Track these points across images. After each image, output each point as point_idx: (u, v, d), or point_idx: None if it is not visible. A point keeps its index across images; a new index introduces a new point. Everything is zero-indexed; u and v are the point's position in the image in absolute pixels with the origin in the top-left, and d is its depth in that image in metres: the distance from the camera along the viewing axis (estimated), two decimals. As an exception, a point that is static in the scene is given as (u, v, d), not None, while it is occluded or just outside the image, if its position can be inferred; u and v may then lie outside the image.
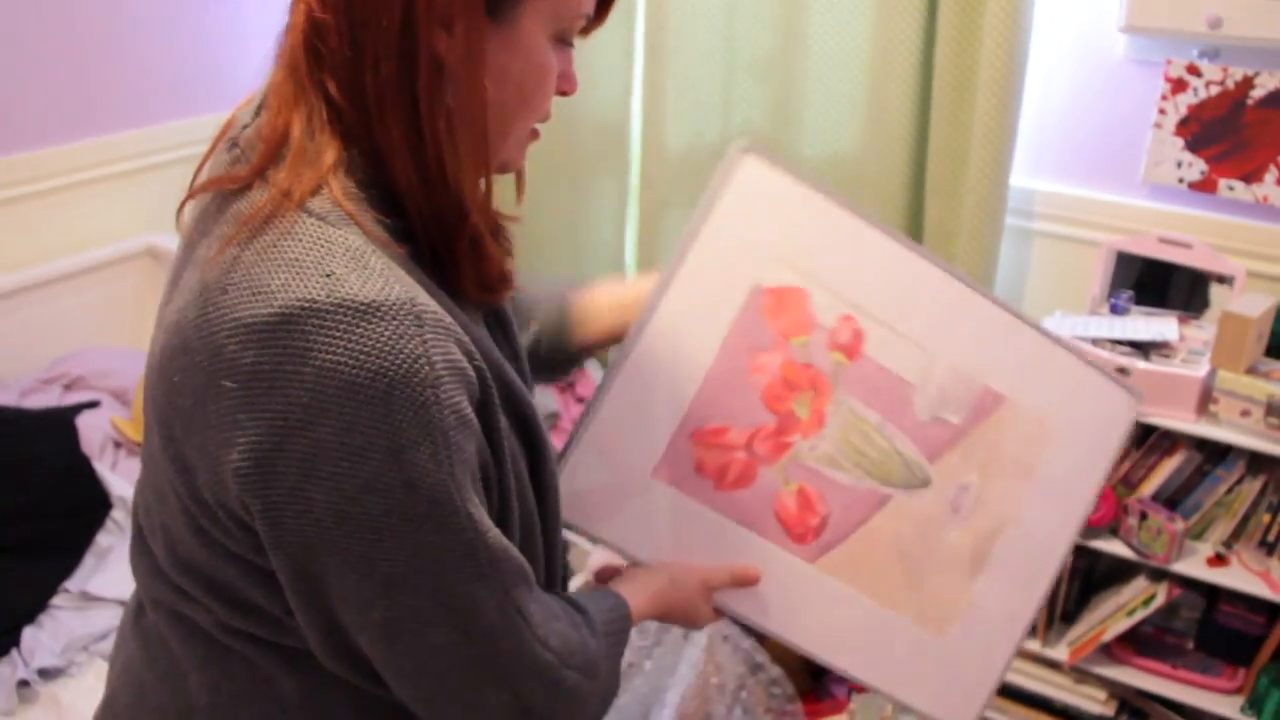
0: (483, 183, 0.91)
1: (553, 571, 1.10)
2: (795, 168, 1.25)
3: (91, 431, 2.40)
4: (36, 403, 2.45)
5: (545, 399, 2.93)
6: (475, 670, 0.91)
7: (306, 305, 0.79)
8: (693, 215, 1.24)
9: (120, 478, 2.31)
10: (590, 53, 2.83)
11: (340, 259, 0.81)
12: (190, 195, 0.93)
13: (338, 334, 0.78)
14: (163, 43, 2.86)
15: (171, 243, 2.79)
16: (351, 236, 0.83)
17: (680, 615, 1.22)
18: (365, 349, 0.78)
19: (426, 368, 0.80)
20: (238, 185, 0.88)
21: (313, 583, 0.85)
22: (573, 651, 0.99)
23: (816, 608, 1.26)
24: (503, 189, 1.02)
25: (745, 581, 1.25)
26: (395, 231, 0.87)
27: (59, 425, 2.35)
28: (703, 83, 2.69)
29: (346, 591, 0.85)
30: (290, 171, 0.85)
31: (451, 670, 0.91)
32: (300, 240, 0.82)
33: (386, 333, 0.79)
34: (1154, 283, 2.36)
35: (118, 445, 2.44)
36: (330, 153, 0.86)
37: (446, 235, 0.89)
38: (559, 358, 1.30)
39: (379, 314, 0.79)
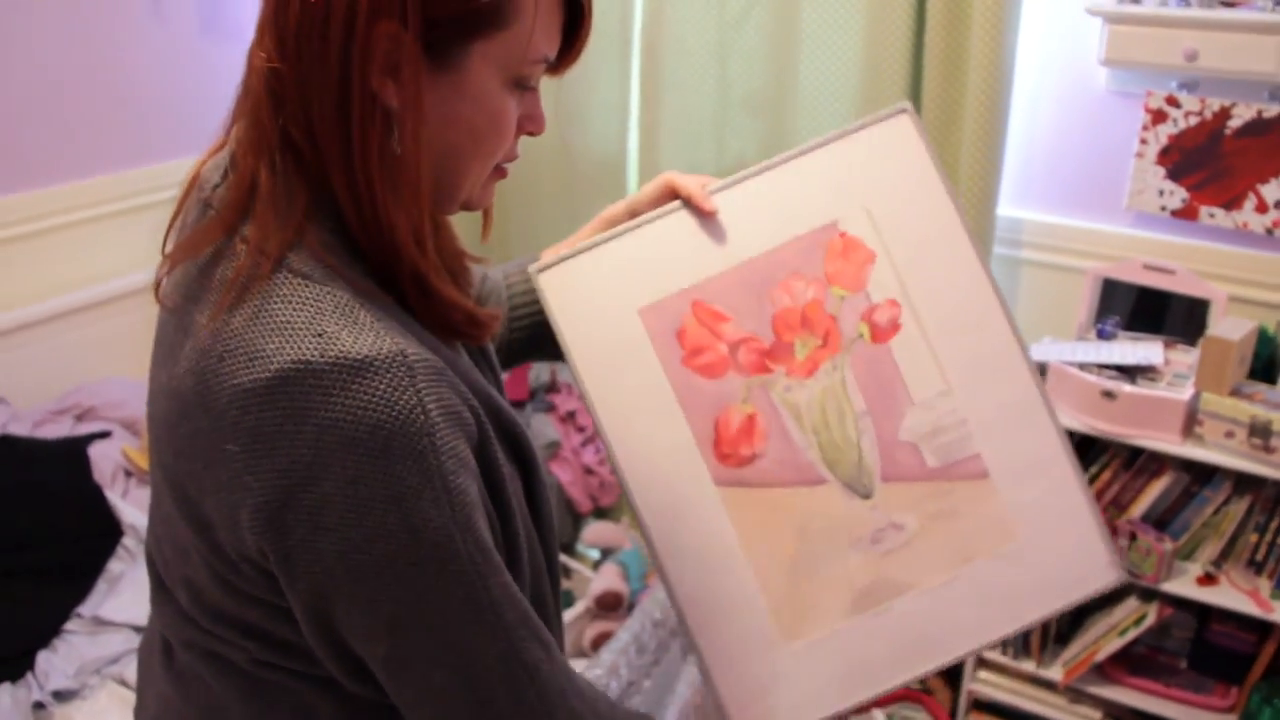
0: (415, 225, 0.90)
1: (554, 585, 1.12)
2: (934, 151, 1.22)
3: (103, 460, 2.45)
4: (49, 433, 2.50)
5: (546, 428, 2.98)
6: (473, 715, 0.92)
7: (302, 366, 0.81)
8: (835, 130, 1.20)
9: (131, 505, 2.36)
10: (588, 90, 2.90)
11: (330, 317, 0.83)
12: (171, 266, 0.93)
13: (334, 392, 0.81)
14: (166, 84, 2.93)
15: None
16: (338, 292, 0.85)
17: None
18: (361, 404, 0.81)
19: (422, 417, 0.82)
20: (213, 245, 0.89)
21: (325, 620, 0.88)
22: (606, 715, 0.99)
23: (693, 528, 1.19)
24: (470, 228, 1.07)
25: None
26: (375, 276, 0.90)
27: (71, 454, 2.41)
28: (697, 117, 2.76)
29: (354, 628, 0.88)
30: (259, 223, 0.87)
31: (451, 711, 0.92)
32: (289, 302, 0.84)
33: (381, 387, 0.81)
34: (1150, 310, 2.41)
35: (128, 474, 2.49)
36: (300, 198, 0.88)
37: (390, 275, 0.91)
38: (542, 319, 1.27)
39: (372, 369, 0.81)
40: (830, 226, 1.19)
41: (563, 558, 2.84)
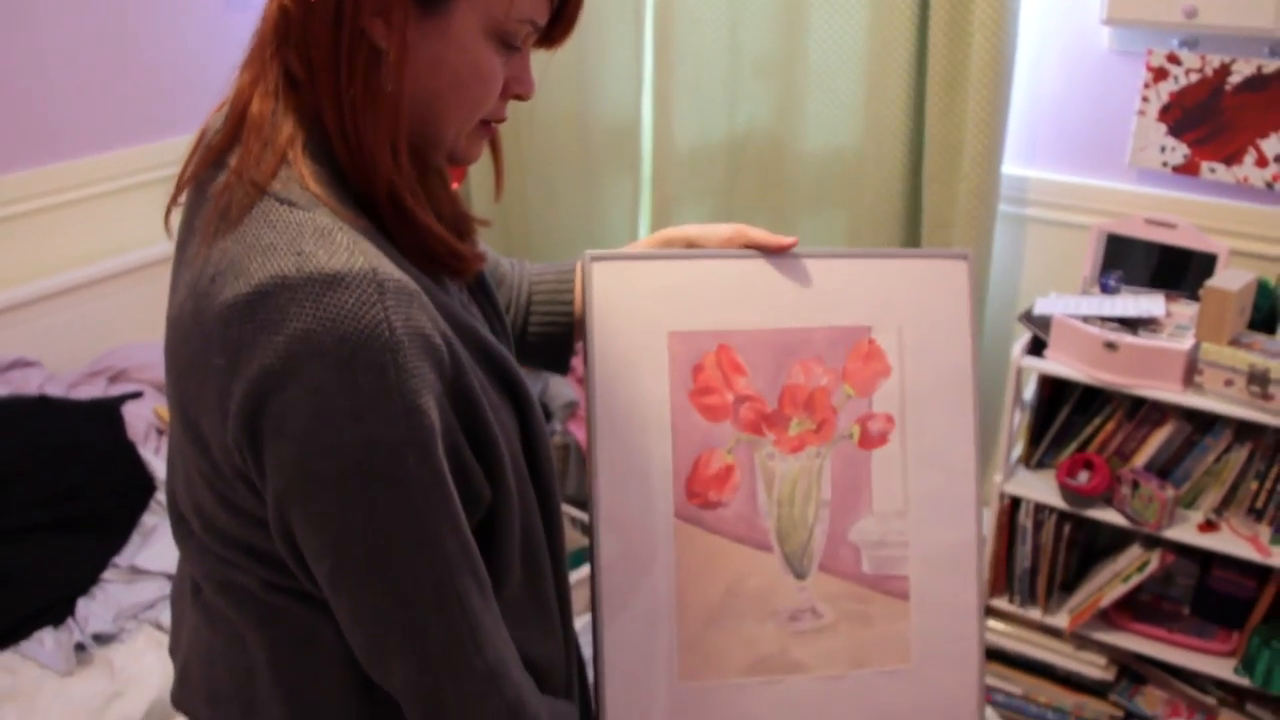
0: (394, 152, 0.94)
1: (549, 522, 1.15)
2: (975, 303, 1.30)
3: (135, 420, 2.54)
4: (83, 394, 2.59)
5: (564, 389, 3.05)
6: (403, 642, 0.96)
7: (279, 280, 0.86)
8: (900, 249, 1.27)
9: (162, 462, 2.45)
10: (601, 57, 2.97)
11: (309, 239, 0.88)
12: (174, 198, 1.02)
13: (307, 304, 0.85)
14: (192, 58, 3.01)
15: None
16: (320, 217, 0.90)
17: None
18: (330, 316, 0.85)
19: (387, 333, 0.86)
20: (205, 173, 0.98)
21: (287, 532, 0.94)
22: (509, 679, 1.02)
23: (639, 544, 1.25)
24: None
25: None
26: (359, 203, 0.95)
27: (106, 414, 2.50)
28: (709, 83, 2.82)
29: (306, 543, 0.93)
30: (245, 151, 0.93)
31: (381, 635, 0.96)
32: (272, 226, 0.89)
33: (350, 301, 0.86)
34: (1154, 266, 2.46)
35: (160, 432, 2.58)
36: (287, 127, 0.94)
37: (372, 200, 0.96)
38: (557, 331, 1.35)
39: (343, 284, 0.86)
40: (864, 329, 1.27)
41: (577, 513, 2.91)
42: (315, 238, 0.88)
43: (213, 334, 0.90)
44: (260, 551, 1.01)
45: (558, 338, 1.35)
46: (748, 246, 1.26)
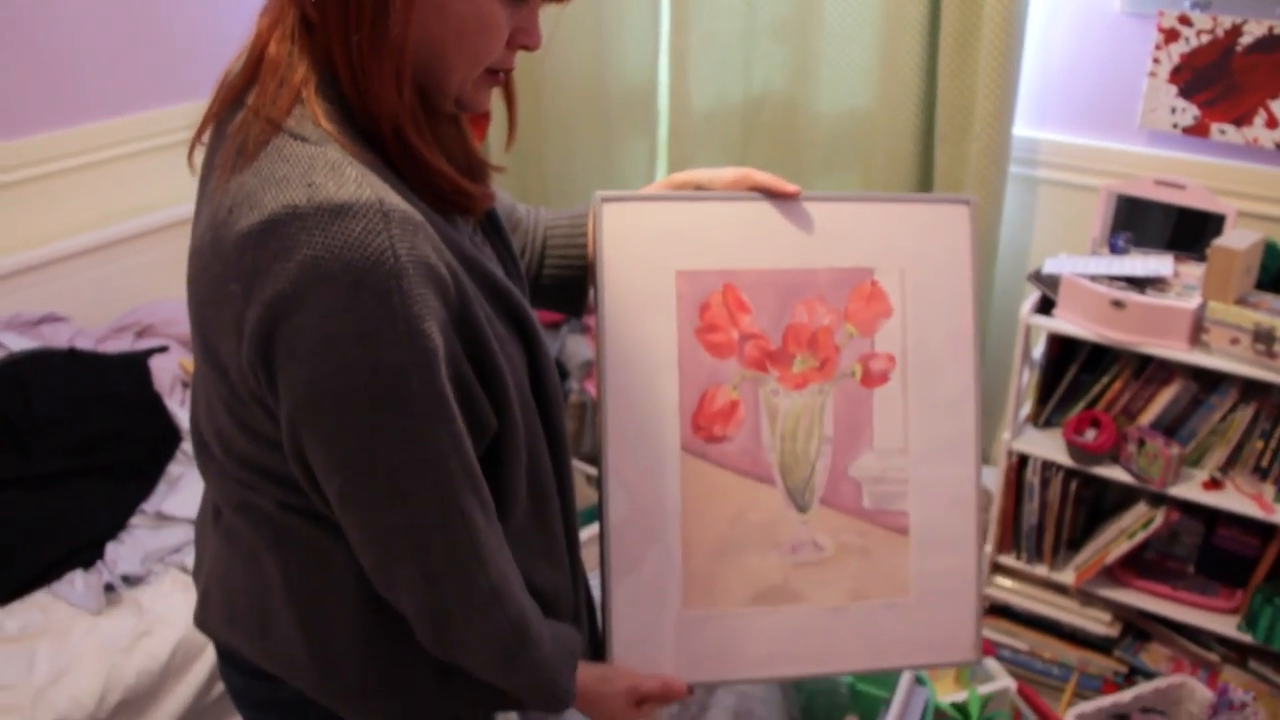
0: (399, 87, 0.98)
1: (557, 454, 1.21)
2: (977, 248, 1.34)
3: (162, 373, 2.60)
4: (112, 348, 2.66)
5: (581, 348, 3.10)
6: (410, 558, 1.02)
7: (291, 210, 0.91)
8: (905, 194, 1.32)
9: (188, 413, 2.51)
10: (619, 19, 3.00)
11: (320, 171, 0.93)
12: (196, 138, 1.07)
13: (316, 232, 0.90)
14: (221, 21, 3.05)
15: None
16: (330, 151, 0.94)
17: (599, 710, 1.26)
18: (339, 243, 0.90)
19: (391, 260, 0.91)
20: (224, 111, 1.03)
21: (299, 453, 0.99)
22: (512, 598, 1.08)
23: (647, 477, 1.28)
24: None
25: (671, 695, 1.29)
26: (371, 140, 1.00)
27: (134, 367, 2.56)
28: (725, 45, 2.85)
29: (316, 462, 0.98)
30: (261, 90, 0.98)
31: (389, 552, 1.02)
32: (286, 160, 0.94)
33: (357, 229, 0.90)
34: (1164, 228, 2.48)
35: (185, 385, 2.65)
36: (301, 68, 0.98)
37: (379, 138, 1.00)
38: (571, 274, 1.38)
39: (351, 213, 0.90)
40: (866, 271, 1.31)
41: (593, 470, 2.96)
42: (325, 170, 0.93)
43: (229, 261, 0.95)
44: (275, 473, 1.06)
45: (572, 280, 1.39)
46: (753, 189, 1.30)
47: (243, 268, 0.93)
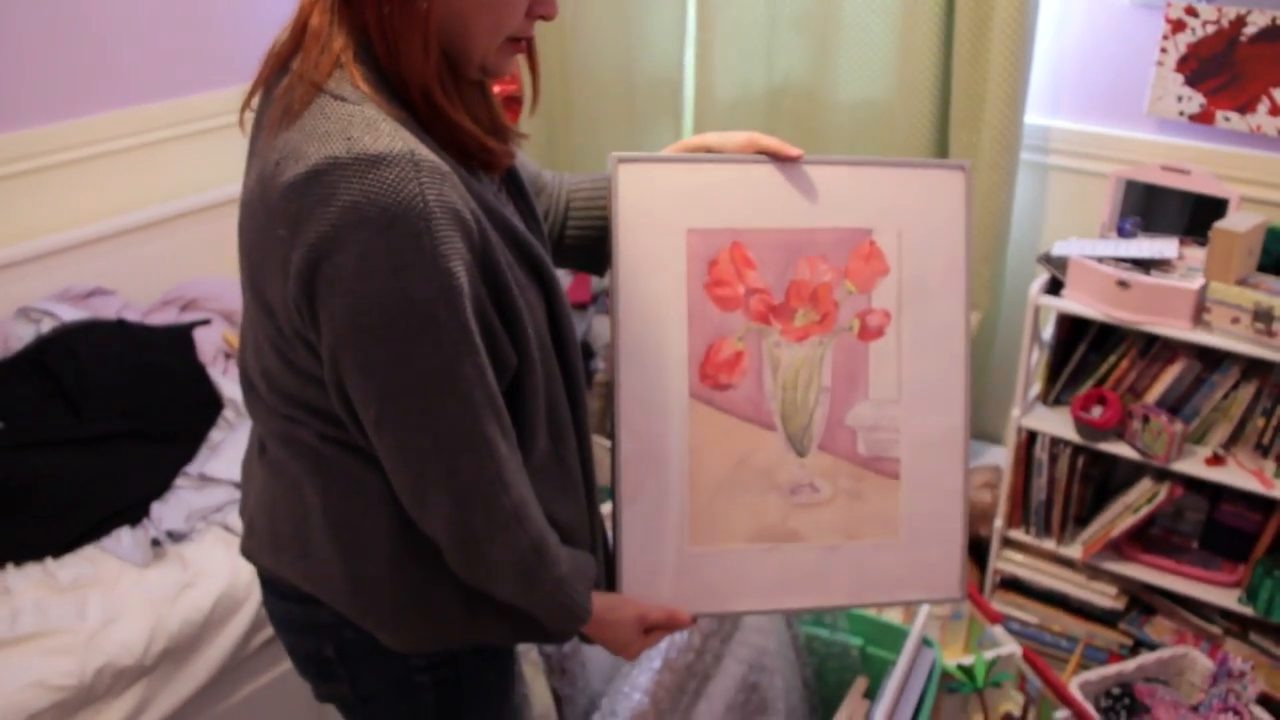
0: (426, 49, 1.09)
1: (573, 396, 1.29)
2: (971, 212, 1.43)
3: (205, 344, 2.72)
4: (157, 320, 2.79)
5: (607, 328, 3.20)
6: (439, 480, 1.12)
7: (332, 161, 1.01)
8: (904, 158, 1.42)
9: (230, 382, 2.63)
10: (647, 10, 3.10)
11: (358, 126, 1.03)
12: (246, 102, 1.19)
13: (354, 180, 1.00)
14: (271, 10, 3.17)
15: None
16: (367, 109, 1.05)
17: (609, 637, 1.36)
18: (374, 189, 1.00)
19: (421, 204, 1.01)
20: (271, 76, 1.15)
21: (339, 383, 1.09)
22: (532, 520, 1.19)
23: (657, 421, 1.37)
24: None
25: (677, 624, 1.39)
26: (405, 101, 1.11)
27: (179, 338, 2.69)
28: (748, 36, 2.94)
29: (354, 391, 1.09)
30: (305, 56, 1.09)
31: (422, 475, 1.12)
32: (327, 117, 1.04)
33: (390, 176, 1.00)
34: (1172, 215, 2.56)
35: (228, 356, 2.76)
36: (340, 37, 1.08)
37: (409, 99, 1.10)
38: (592, 234, 1.48)
39: (385, 162, 1.00)
40: (865, 231, 1.41)
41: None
42: (363, 126, 1.03)
43: (276, 210, 1.05)
44: (317, 407, 1.17)
45: (593, 240, 1.48)
46: (761, 153, 1.39)
47: (288, 214, 1.04)
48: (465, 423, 1.10)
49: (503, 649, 1.43)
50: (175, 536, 2.25)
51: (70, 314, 2.64)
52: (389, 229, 1.00)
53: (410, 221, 1.01)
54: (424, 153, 1.04)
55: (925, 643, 2.20)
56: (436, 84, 1.11)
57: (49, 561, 2.18)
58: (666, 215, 1.36)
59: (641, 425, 1.38)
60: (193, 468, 2.43)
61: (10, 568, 2.16)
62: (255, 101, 1.19)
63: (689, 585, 1.41)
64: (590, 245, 1.49)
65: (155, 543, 2.23)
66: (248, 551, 1.39)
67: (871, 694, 2.17)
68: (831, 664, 2.31)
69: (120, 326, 2.63)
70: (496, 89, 1.35)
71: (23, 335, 2.58)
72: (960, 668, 2.31)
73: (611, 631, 1.36)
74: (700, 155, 1.40)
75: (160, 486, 2.36)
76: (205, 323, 2.81)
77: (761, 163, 1.38)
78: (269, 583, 1.38)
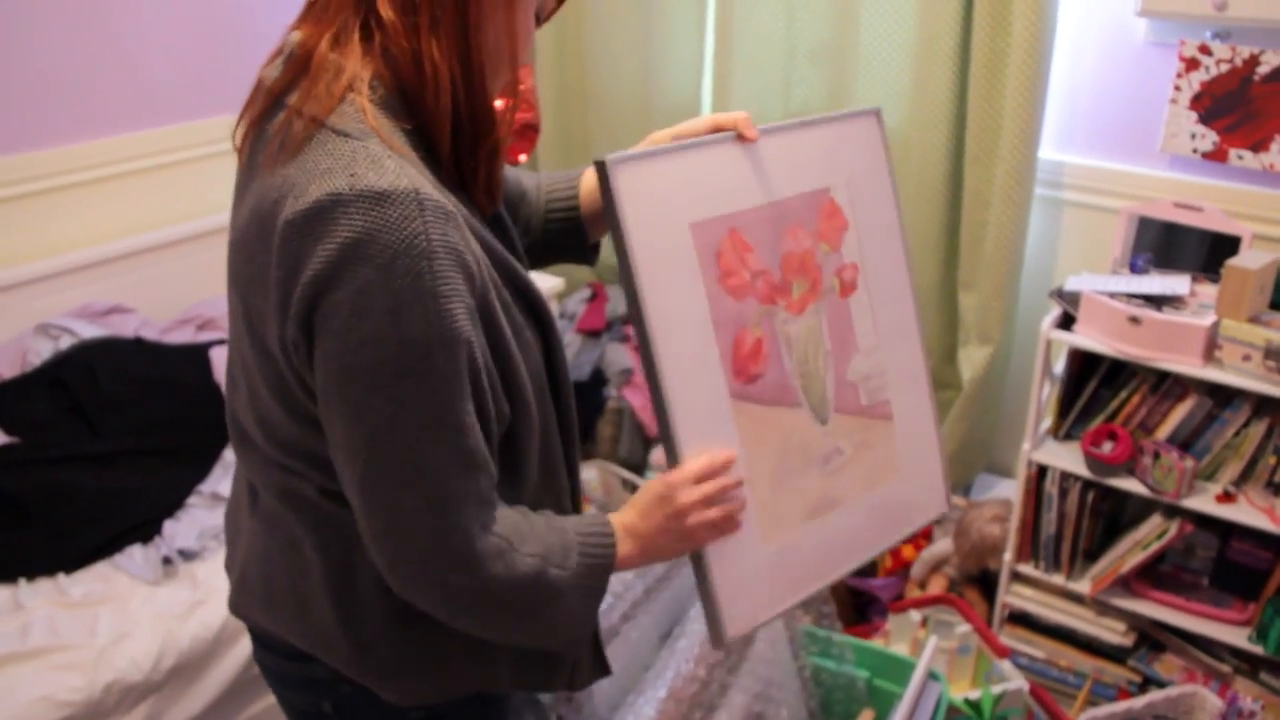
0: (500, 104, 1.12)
1: (566, 439, 1.28)
2: (890, 153, 1.48)
3: (221, 363, 2.74)
4: (175, 339, 2.81)
5: (620, 356, 3.22)
6: (434, 543, 1.06)
7: (334, 197, 0.98)
8: (829, 114, 1.43)
9: (245, 403, 2.65)
10: (666, 43, 3.13)
11: (362, 162, 0.99)
12: (244, 141, 1.14)
13: (356, 216, 0.97)
14: (285, 29, 3.21)
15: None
16: (372, 145, 1.01)
17: (653, 539, 1.25)
18: (376, 226, 0.97)
19: (424, 243, 0.98)
20: (263, 114, 1.10)
21: (330, 435, 1.05)
22: (524, 538, 1.12)
23: (708, 431, 1.31)
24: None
25: (723, 463, 1.29)
26: (411, 137, 1.07)
27: (195, 356, 2.71)
28: (766, 67, 2.97)
29: (341, 442, 1.04)
30: (307, 90, 1.05)
31: (410, 538, 1.06)
32: (330, 154, 1.01)
33: (394, 214, 0.98)
34: (1184, 251, 2.57)
35: (243, 376, 2.79)
36: (352, 69, 1.05)
37: (475, 139, 1.10)
38: (570, 223, 1.48)
39: (389, 199, 0.98)
40: (824, 191, 1.43)
41: (628, 475, 3.08)
42: (367, 162, 1.00)
43: (274, 249, 1.02)
44: (319, 458, 1.13)
45: (572, 228, 1.48)
46: (724, 129, 1.35)
47: (288, 253, 1.01)
48: (458, 472, 1.06)
49: (500, 695, 1.37)
50: (186, 555, 2.27)
51: (89, 331, 2.67)
52: (389, 267, 0.98)
53: (411, 260, 0.98)
54: (429, 191, 1.02)
55: (932, 676, 2.20)
56: (470, 123, 1.11)
57: (61, 577, 2.19)
58: (668, 214, 1.31)
59: (700, 437, 1.32)
60: (206, 486, 2.45)
61: (22, 582, 2.18)
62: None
63: (771, 586, 1.38)
64: (571, 233, 1.48)
65: (166, 560, 2.25)
66: (238, 608, 1.35)
67: (877, 726, 2.17)
68: (838, 695, 2.31)
69: (137, 344, 2.66)
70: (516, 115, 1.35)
71: (41, 351, 2.61)
72: (967, 702, 2.31)
73: (663, 510, 1.24)
74: (684, 142, 1.32)
75: (173, 504, 2.38)
76: (222, 342, 2.83)
77: (727, 141, 1.34)
78: (261, 638, 1.35)
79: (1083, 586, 2.62)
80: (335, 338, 1.00)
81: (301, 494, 1.19)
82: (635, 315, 1.26)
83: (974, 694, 2.38)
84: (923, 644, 2.63)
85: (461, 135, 1.10)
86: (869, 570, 3.02)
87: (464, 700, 1.30)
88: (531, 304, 1.20)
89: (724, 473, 1.28)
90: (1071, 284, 2.51)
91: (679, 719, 1.88)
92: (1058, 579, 2.65)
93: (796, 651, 2.18)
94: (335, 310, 0.99)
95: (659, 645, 2.18)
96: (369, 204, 0.98)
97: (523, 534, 1.14)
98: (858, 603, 2.93)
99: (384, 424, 1.02)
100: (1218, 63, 2.40)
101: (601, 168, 1.22)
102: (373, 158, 1.01)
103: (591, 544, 1.20)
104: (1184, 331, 2.32)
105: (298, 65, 1.09)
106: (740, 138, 1.32)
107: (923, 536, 3.00)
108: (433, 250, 0.99)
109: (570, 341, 3.27)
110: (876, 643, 2.58)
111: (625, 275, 1.26)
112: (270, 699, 2.28)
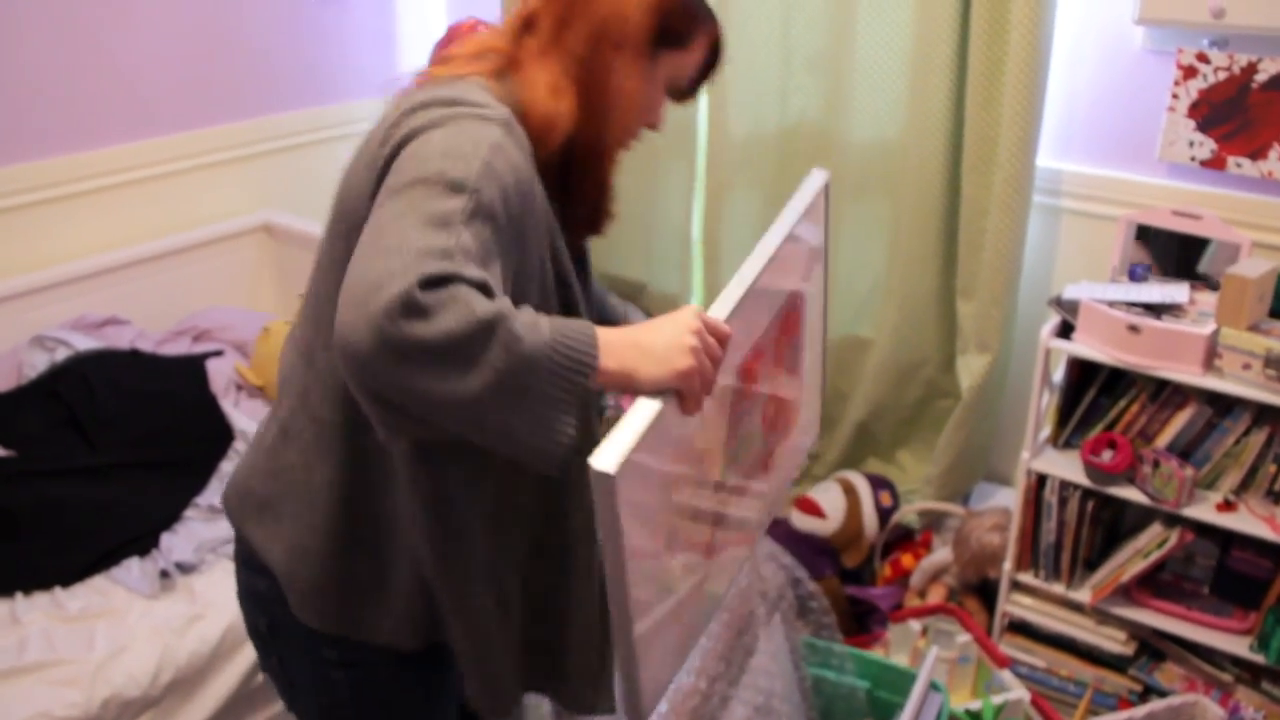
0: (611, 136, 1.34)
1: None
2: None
3: (217, 375, 2.73)
4: (170, 350, 2.80)
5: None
6: (405, 264, 1.02)
7: (442, 98, 1.21)
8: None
9: (241, 414, 2.64)
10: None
11: (477, 95, 1.23)
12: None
13: (454, 110, 1.19)
14: (279, 41, 3.21)
15: (285, 220, 3.13)
16: (493, 101, 1.24)
17: (668, 325, 1.18)
18: (464, 116, 1.18)
19: (498, 138, 1.17)
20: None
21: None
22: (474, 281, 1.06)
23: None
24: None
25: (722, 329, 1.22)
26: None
27: (191, 368, 2.70)
28: (762, 76, 2.96)
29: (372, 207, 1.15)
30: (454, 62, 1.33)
31: (385, 256, 1.03)
32: (453, 87, 1.24)
33: (482, 114, 1.19)
34: (1184, 260, 2.56)
35: (239, 388, 2.77)
36: (492, 61, 1.32)
37: (584, 175, 1.33)
38: None
39: (486, 113, 1.19)
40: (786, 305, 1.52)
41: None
42: (480, 96, 1.24)
43: (382, 140, 1.21)
44: None
45: None
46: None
47: (392, 132, 1.20)
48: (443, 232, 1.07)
49: (422, 658, 1.45)
50: (184, 568, 2.26)
51: (84, 343, 2.65)
52: (462, 131, 1.16)
53: (478, 140, 1.15)
54: (518, 135, 1.23)
55: (933, 687, 2.19)
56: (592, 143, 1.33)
57: (57, 591, 2.18)
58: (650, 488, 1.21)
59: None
60: (203, 499, 2.43)
61: (19, 596, 2.16)
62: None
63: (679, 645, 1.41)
64: None
65: (164, 574, 2.23)
66: (228, 499, 1.50)
67: (878, 737, 2.16)
68: (839, 706, 2.30)
69: (133, 356, 2.64)
70: None
71: (36, 363, 2.59)
72: (968, 713, 2.30)
73: (665, 324, 1.18)
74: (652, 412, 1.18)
75: (170, 517, 2.37)
76: (218, 353, 2.82)
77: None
78: (240, 542, 1.49)
79: (1083, 595, 2.61)
80: (396, 171, 1.14)
81: (338, 421, 1.30)
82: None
83: (974, 704, 2.37)
84: (923, 654, 2.62)
85: (572, 171, 1.32)
86: (868, 579, 3.01)
87: (380, 658, 1.42)
88: (561, 276, 1.32)
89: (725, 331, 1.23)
90: (1070, 292, 2.51)
91: (680, 733, 1.87)
92: (1058, 588, 2.64)
93: (797, 662, 2.17)
94: (407, 152, 1.16)
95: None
96: (468, 109, 1.20)
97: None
98: (857, 612, 2.92)
99: (407, 204, 1.09)
100: (1215, 70, 2.40)
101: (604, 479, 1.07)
102: (485, 99, 1.24)
103: (567, 328, 1.11)
104: (1183, 340, 2.31)
105: (474, 50, 1.36)
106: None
107: (922, 545, 2.99)
108: (499, 147, 1.16)
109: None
110: (876, 653, 2.57)
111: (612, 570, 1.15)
112: (267, 714, 2.27)
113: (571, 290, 1.31)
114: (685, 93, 1.44)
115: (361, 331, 0.98)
